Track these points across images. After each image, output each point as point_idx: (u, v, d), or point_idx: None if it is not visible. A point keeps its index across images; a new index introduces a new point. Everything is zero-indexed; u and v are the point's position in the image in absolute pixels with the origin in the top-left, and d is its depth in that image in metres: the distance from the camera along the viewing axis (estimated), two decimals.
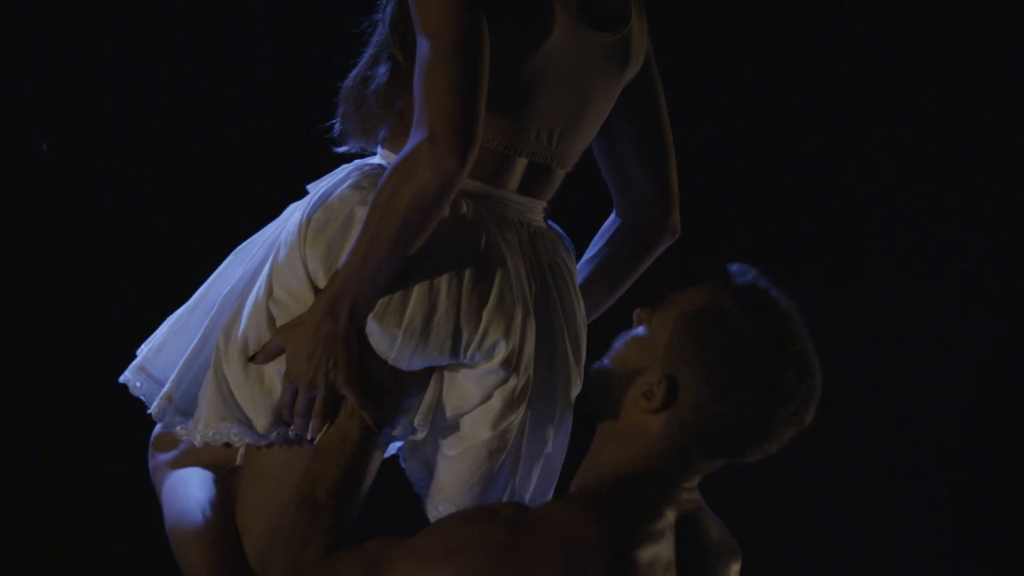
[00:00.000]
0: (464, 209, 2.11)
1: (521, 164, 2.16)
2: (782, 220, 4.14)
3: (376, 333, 2.06)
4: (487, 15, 2.02)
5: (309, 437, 2.09)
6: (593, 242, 2.40)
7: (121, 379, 2.23)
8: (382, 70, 2.13)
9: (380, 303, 2.06)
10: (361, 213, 2.07)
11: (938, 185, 4.10)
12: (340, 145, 2.20)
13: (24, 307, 3.90)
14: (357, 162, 2.19)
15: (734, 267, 2.12)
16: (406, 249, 2.02)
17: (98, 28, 3.91)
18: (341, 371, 2.04)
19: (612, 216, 2.38)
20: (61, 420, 3.93)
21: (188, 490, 2.18)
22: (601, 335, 2.24)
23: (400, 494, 2.35)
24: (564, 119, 2.16)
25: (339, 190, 2.12)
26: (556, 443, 2.22)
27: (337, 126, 2.19)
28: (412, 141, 1.97)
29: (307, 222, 2.09)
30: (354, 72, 2.18)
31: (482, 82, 1.99)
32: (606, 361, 2.14)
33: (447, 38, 1.99)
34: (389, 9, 2.14)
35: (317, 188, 2.15)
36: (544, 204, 2.23)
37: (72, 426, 3.93)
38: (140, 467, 2.34)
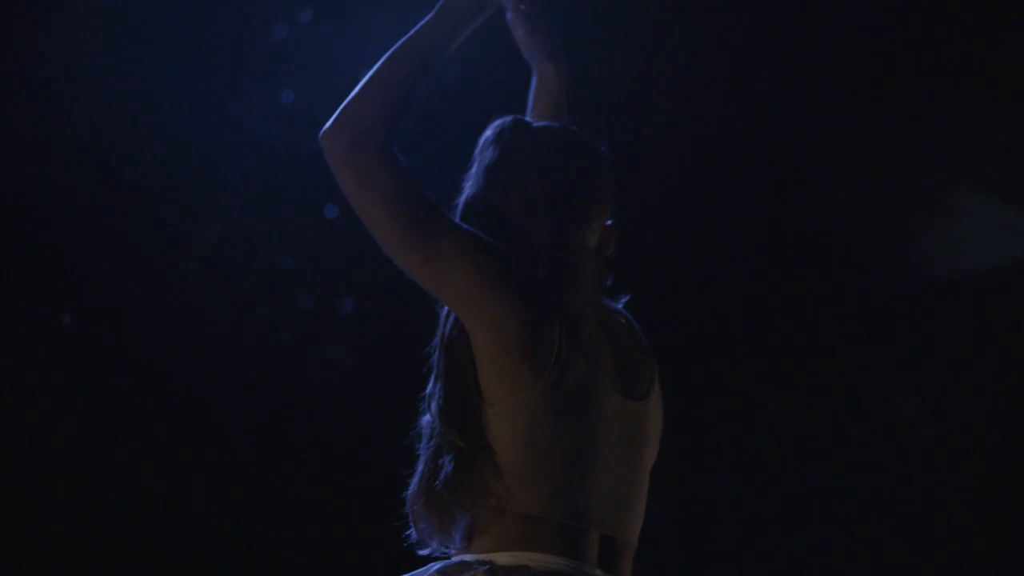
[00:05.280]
0: None
1: (595, 537, 2.17)
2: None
3: None
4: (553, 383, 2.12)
5: None
6: None
7: None
8: (447, 460, 2.12)
9: None
10: None
11: None
12: (421, 549, 2.18)
13: None
14: (437, 564, 2.17)
15: None
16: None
17: None
18: None
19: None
20: None
21: None
22: None
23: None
24: (621, 488, 2.21)
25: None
26: None
27: (413, 531, 2.18)
28: None
29: None
30: (417, 475, 2.17)
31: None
32: None
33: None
34: (436, 399, 2.16)
35: None
36: None
37: None
38: None
